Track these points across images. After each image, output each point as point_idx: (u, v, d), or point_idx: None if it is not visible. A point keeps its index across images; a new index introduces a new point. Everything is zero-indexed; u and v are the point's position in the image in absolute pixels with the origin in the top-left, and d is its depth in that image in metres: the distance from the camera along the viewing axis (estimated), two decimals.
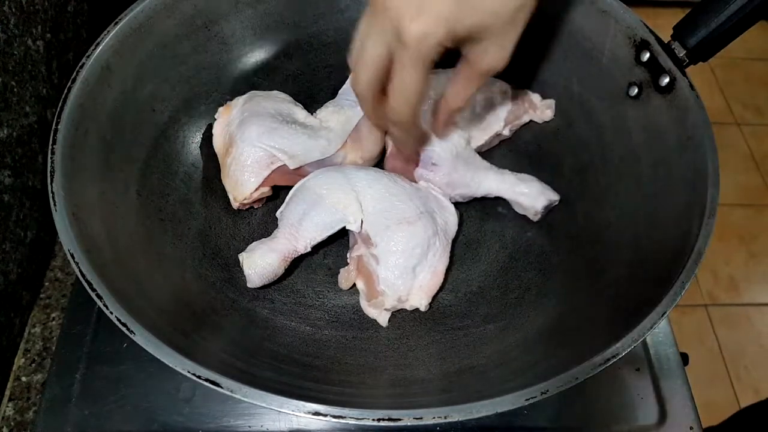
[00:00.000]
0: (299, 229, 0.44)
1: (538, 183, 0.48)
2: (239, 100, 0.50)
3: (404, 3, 0.34)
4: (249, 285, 0.44)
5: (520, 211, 0.49)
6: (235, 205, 0.48)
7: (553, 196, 0.48)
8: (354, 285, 0.46)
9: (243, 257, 0.44)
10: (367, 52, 0.37)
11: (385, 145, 0.51)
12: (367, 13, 0.37)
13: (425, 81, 0.37)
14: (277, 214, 0.46)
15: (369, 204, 0.45)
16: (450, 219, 0.47)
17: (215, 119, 0.50)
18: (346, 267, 0.46)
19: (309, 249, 0.45)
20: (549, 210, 0.49)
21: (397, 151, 0.49)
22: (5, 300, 0.46)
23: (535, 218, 0.49)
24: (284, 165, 0.47)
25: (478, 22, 0.35)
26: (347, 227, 0.45)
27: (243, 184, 0.47)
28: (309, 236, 0.44)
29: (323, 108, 0.51)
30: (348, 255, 0.46)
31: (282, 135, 0.47)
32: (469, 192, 0.48)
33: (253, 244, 0.45)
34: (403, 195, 0.45)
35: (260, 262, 0.43)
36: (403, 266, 0.43)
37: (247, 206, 0.49)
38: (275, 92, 0.51)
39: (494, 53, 0.38)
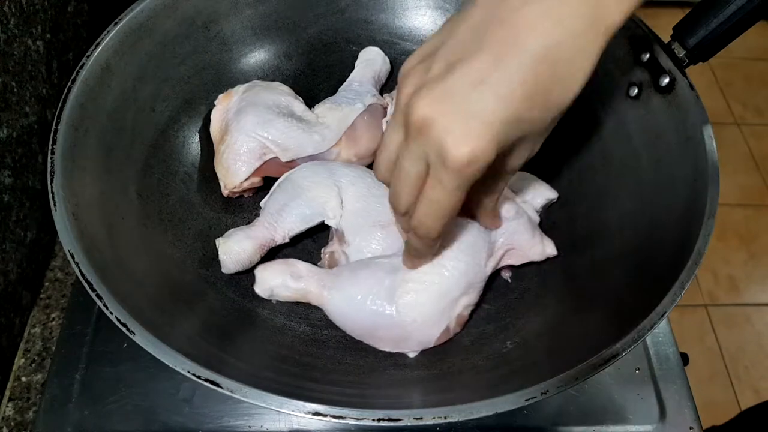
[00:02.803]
0: (278, 219, 0.45)
1: (536, 181, 0.48)
2: (240, 88, 0.50)
3: (447, 124, 0.29)
4: (223, 271, 0.44)
5: None
6: (225, 192, 0.48)
7: (551, 194, 0.48)
8: None
9: (219, 242, 0.44)
10: (404, 170, 0.32)
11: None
12: (396, 124, 0.33)
13: (461, 202, 0.32)
14: (261, 203, 0.46)
15: (349, 201, 0.45)
16: None
17: (214, 105, 0.50)
18: (319, 262, 0.46)
19: (287, 240, 0.45)
20: (548, 208, 0.49)
21: None
22: (5, 300, 0.46)
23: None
24: (276, 157, 0.47)
25: (521, 134, 0.31)
26: (326, 222, 0.45)
27: (234, 172, 0.47)
28: (287, 227, 0.45)
29: (321, 104, 0.51)
30: (322, 251, 0.46)
31: (277, 127, 0.47)
32: None
33: (231, 230, 0.45)
34: (384, 197, 0.44)
35: (236, 248, 0.43)
36: None
37: (237, 194, 0.49)
38: (276, 83, 0.51)
39: (523, 156, 0.34)
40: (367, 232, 0.43)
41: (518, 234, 0.44)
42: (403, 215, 0.35)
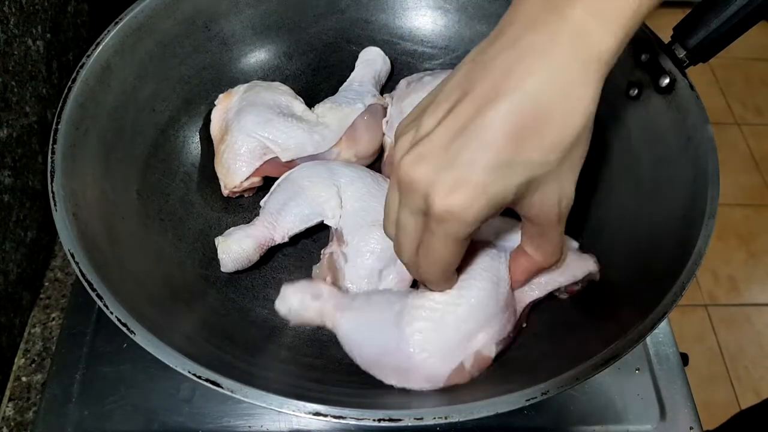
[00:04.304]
0: (278, 218, 0.45)
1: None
2: (240, 88, 0.50)
3: (431, 178, 0.29)
4: (222, 270, 0.44)
5: None
6: (225, 192, 0.48)
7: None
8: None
9: (219, 241, 0.44)
10: (401, 224, 0.33)
11: (382, 146, 0.51)
12: (393, 183, 0.33)
13: (459, 253, 0.32)
14: (261, 203, 0.46)
15: (348, 201, 0.45)
16: None
17: (215, 105, 0.50)
18: (318, 263, 0.46)
19: (286, 239, 0.45)
20: None
21: None
22: (5, 300, 0.46)
23: None
24: (276, 157, 0.47)
25: (523, 180, 0.30)
26: (325, 222, 0.45)
27: (234, 172, 0.47)
28: (287, 226, 0.45)
29: (321, 104, 0.51)
30: (322, 252, 0.46)
31: (277, 127, 0.47)
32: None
33: (230, 229, 0.45)
34: (383, 197, 0.45)
35: (235, 248, 0.43)
36: (369, 267, 0.43)
37: (237, 194, 0.49)
38: (276, 83, 0.52)
39: (552, 198, 0.32)
40: (366, 232, 0.43)
41: None
42: (408, 265, 0.35)
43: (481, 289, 0.38)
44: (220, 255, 0.44)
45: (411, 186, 0.30)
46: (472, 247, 0.39)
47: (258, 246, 0.44)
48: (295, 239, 0.46)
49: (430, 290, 0.38)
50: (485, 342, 0.38)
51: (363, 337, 0.39)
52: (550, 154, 0.30)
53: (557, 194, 0.32)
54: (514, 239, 0.41)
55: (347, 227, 0.44)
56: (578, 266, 0.42)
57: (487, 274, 0.38)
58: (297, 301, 0.41)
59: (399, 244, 0.34)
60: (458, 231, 0.30)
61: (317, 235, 0.48)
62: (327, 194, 0.45)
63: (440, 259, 0.33)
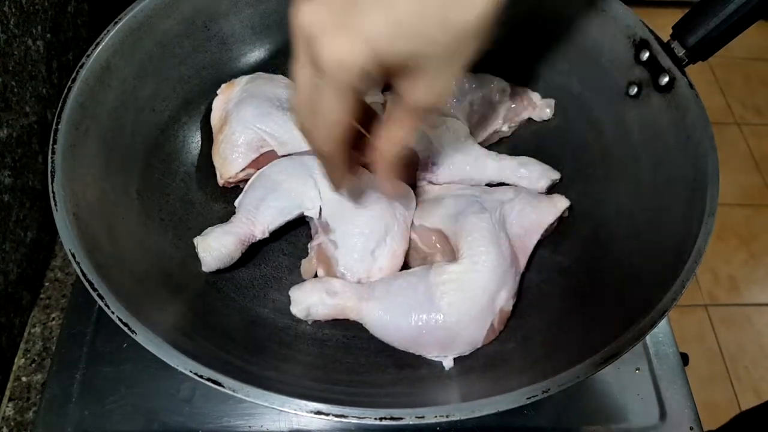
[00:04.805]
0: (256, 214, 0.45)
1: (538, 164, 0.49)
2: (243, 79, 0.50)
3: (321, 18, 0.29)
4: (204, 269, 0.44)
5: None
6: (220, 182, 0.48)
7: (554, 175, 0.49)
8: (317, 275, 0.45)
9: (197, 241, 0.44)
10: (298, 81, 0.33)
11: None
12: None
13: (346, 110, 0.32)
14: (236, 203, 0.46)
15: (327, 191, 0.45)
16: (407, 201, 0.46)
17: (217, 94, 0.50)
18: (306, 257, 0.46)
19: (267, 234, 0.45)
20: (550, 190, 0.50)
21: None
22: (5, 300, 0.46)
23: None
24: (272, 150, 0.47)
25: (413, 50, 0.29)
26: (305, 213, 0.45)
27: (231, 162, 0.47)
28: (266, 221, 0.44)
29: None
30: (309, 245, 0.46)
31: (275, 120, 0.47)
32: (471, 184, 0.48)
33: (208, 228, 0.44)
34: (359, 181, 0.45)
35: (215, 245, 0.43)
36: (361, 249, 0.43)
37: (232, 185, 0.49)
38: (280, 76, 0.52)
39: (429, 88, 0.31)
40: (352, 216, 0.44)
41: (524, 208, 0.45)
42: (306, 132, 0.35)
43: (489, 253, 0.41)
44: (201, 254, 0.43)
45: (304, 32, 0.30)
46: (474, 218, 0.43)
47: (239, 242, 0.44)
48: (295, 239, 0.46)
49: (445, 263, 0.41)
50: (506, 299, 0.42)
51: (398, 321, 0.41)
52: (448, 33, 0.29)
53: (437, 82, 0.31)
54: (496, 200, 0.45)
55: (331, 215, 0.44)
56: (556, 208, 0.46)
57: (488, 237, 0.42)
58: (315, 302, 0.42)
59: (295, 104, 0.34)
60: (344, 79, 0.30)
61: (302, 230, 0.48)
62: (304, 186, 0.45)
63: (329, 112, 0.32)
